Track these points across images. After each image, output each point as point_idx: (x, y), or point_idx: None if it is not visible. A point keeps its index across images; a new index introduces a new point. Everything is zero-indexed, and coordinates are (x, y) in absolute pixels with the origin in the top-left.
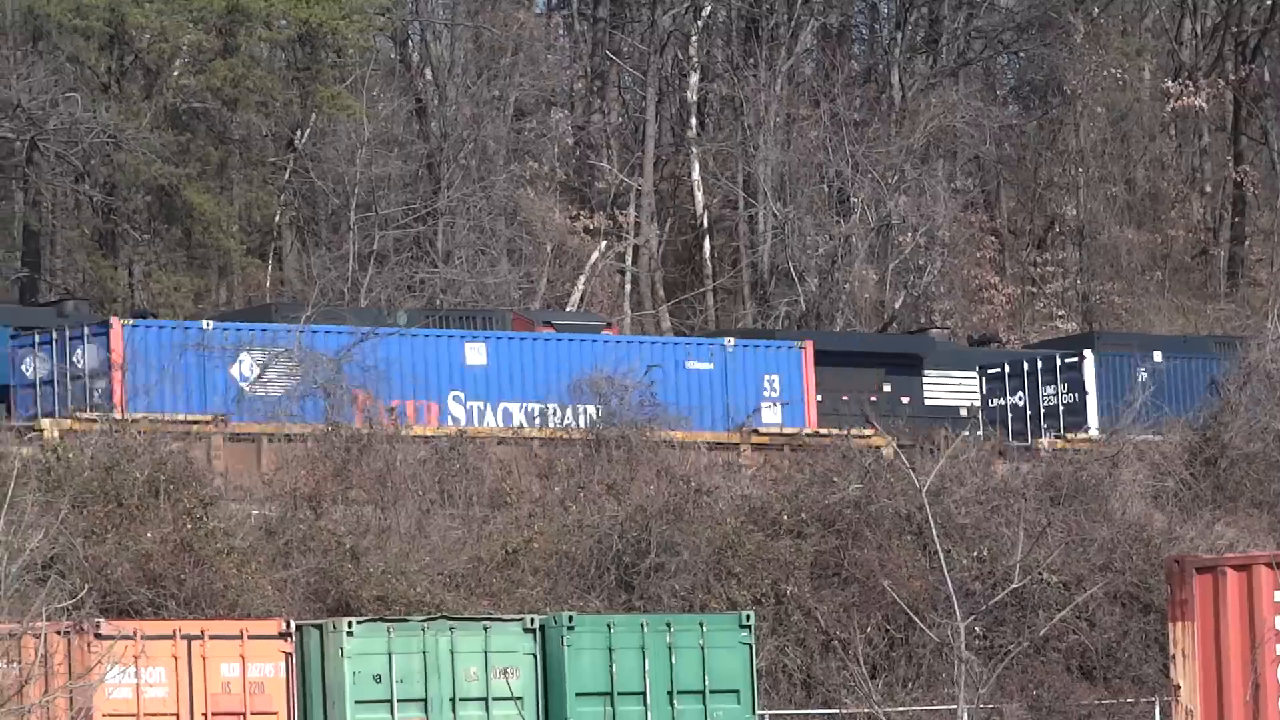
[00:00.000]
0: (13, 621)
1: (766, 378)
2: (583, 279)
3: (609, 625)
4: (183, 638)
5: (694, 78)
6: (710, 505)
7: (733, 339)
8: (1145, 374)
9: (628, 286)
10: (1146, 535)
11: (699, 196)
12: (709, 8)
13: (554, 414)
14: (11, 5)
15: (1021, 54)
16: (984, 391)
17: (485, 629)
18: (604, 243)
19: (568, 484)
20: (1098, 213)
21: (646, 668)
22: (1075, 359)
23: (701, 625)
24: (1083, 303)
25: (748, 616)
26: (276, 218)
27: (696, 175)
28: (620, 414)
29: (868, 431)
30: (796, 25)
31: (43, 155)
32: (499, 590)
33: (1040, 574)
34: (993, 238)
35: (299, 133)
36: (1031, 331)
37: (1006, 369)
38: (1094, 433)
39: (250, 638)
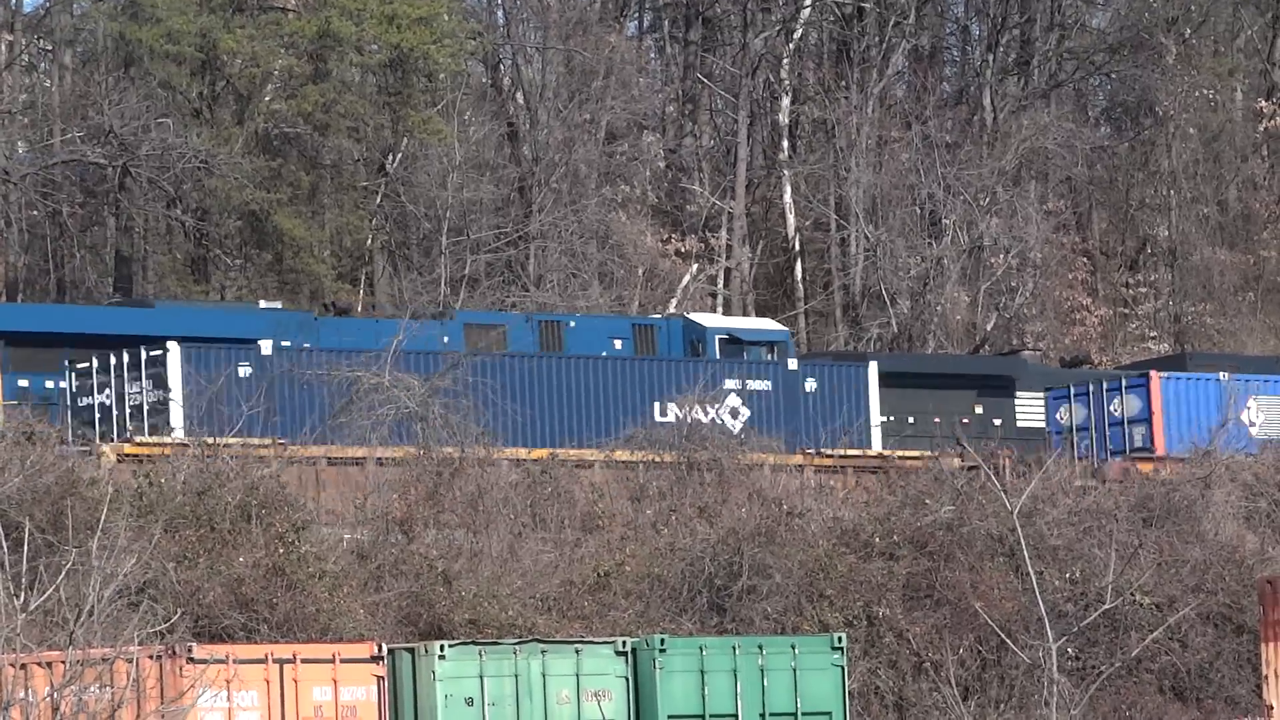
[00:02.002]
0: (105, 646)
1: None
2: (674, 302)
3: (701, 648)
4: (275, 661)
5: (785, 100)
6: (802, 528)
7: None
8: (249, 368)
9: (719, 309)
10: (1239, 556)
11: (790, 219)
12: (800, 30)
13: None
14: (104, 32)
15: (1113, 75)
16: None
17: (577, 652)
18: (695, 265)
19: (659, 507)
20: (1190, 234)
21: (739, 690)
22: (160, 353)
23: (793, 648)
24: (1174, 324)
25: (840, 639)
26: (368, 242)
27: (788, 198)
28: None
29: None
30: (888, 48)
31: (135, 181)
32: (591, 613)
33: (1132, 595)
34: (1084, 259)
35: (390, 157)
36: (1124, 353)
37: (94, 363)
38: (179, 433)
39: (342, 661)
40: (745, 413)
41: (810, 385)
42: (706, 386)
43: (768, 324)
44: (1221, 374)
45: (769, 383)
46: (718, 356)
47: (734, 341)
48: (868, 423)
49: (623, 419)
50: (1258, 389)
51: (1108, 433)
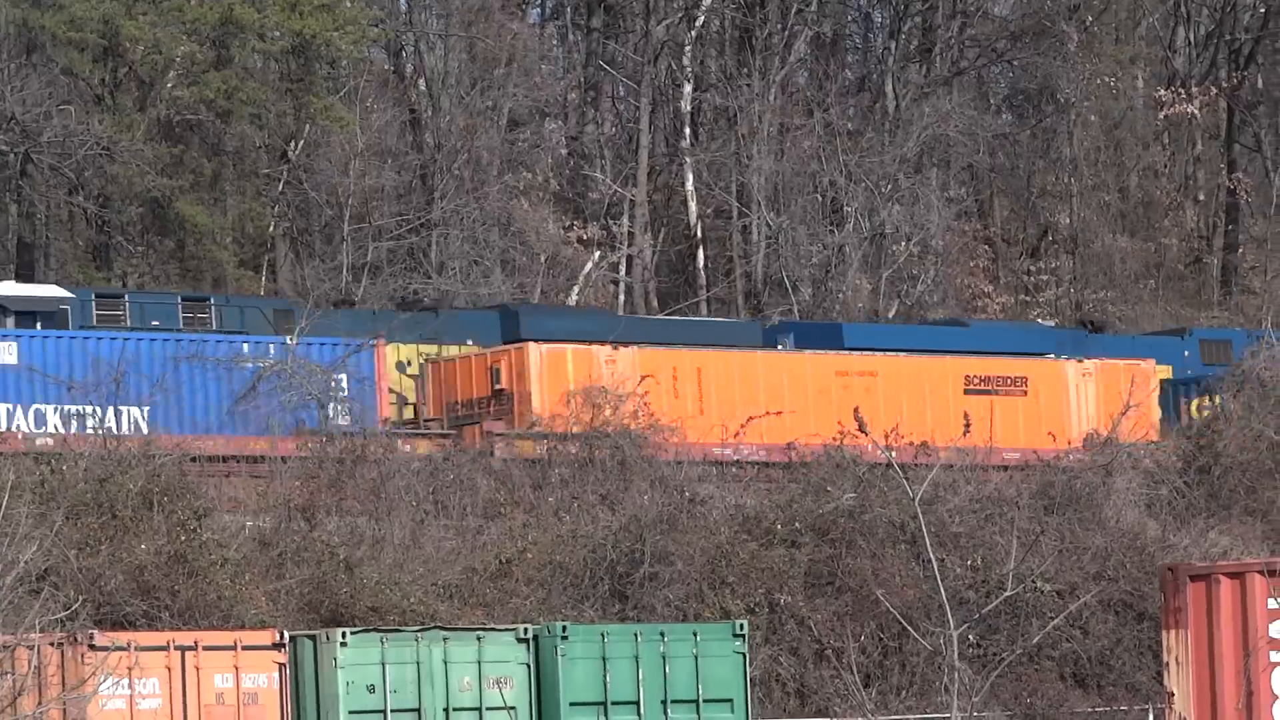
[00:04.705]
0: (6, 633)
1: None
2: (576, 289)
3: (603, 635)
4: (176, 649)
5: (688, 88)
6: (704, 515)
7: None
8: None
9: (621, 297)
10: (1140, 543)
11: (693, 206)
12: (702, 18)
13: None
14: (5, 18)
15: (1015, 62)
16: None
17: (479, 639)
18: (597, 253)
19: (561, 494)
20: (1091, 221)
21: (640, 677)
22: None
23: (695, 635)
24: (1076, 311)
25: (741, 626)
26: (270, 229)
27: (690, 185)
28: None
29: None
30: (790, 35)
31: (36, 168)
32: (493, 600)
33: (1034, 582)
34: (986, 246)
35: (292, 144)
36: None
37: None
38: None
39: (244, 648)
40: None
41: None
42: None
43: None
44: None
45: None
46: None
47: None
48: None
49: None
50: None
51: None
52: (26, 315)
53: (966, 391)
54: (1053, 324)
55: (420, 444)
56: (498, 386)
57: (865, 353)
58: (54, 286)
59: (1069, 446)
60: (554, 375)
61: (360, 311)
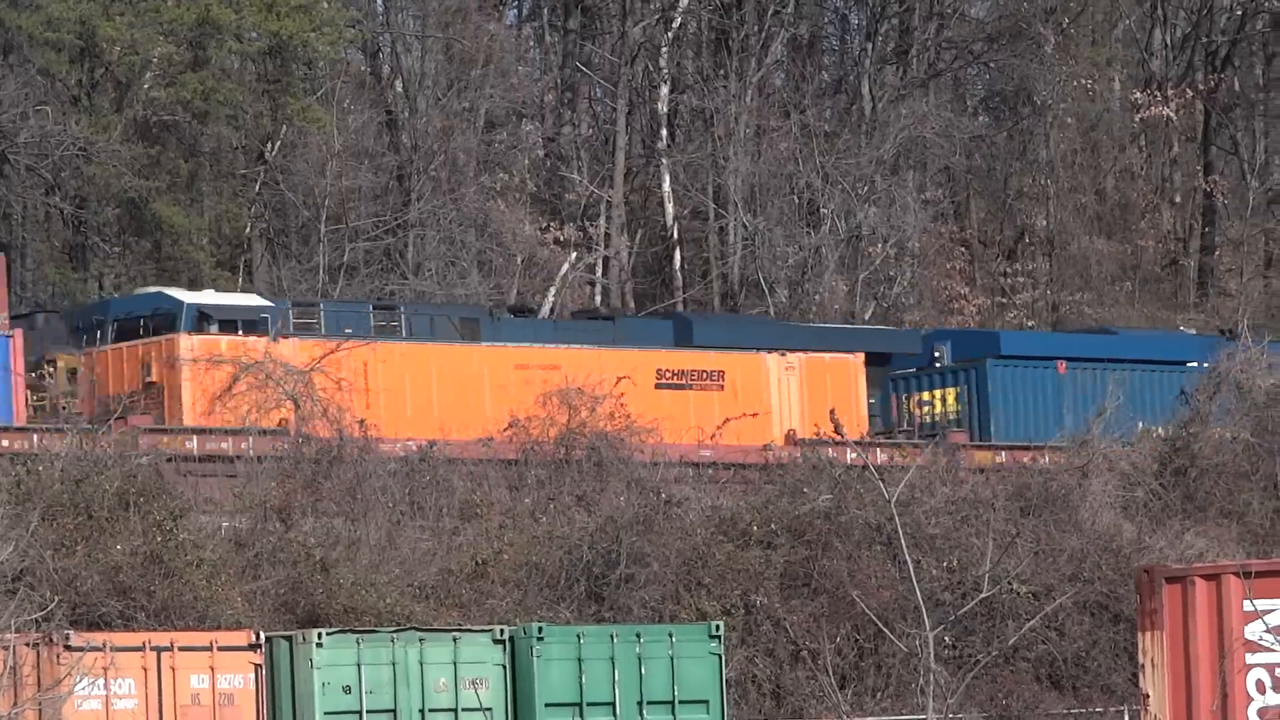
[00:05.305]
0: None
1: None
2: (553, 290)
3: (578, 636)
4: (152, 649)
5: (664, 89)
6: (680, 516)
7: None
8: None
9: (598, 298)
10: (1116, 545)
11: (669, 208)
12: (679, 19)
13: None
14: None
15: (992, 65)
16: None
17: (455, 640)
18: (574, 254)
19: (537, 495)
20: (1068, 223)
21: (616, 678)
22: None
23: (671, 636)
24: (1052, 313)
25: (717, 627)
26: (247, 230)
27: (667, 187)
28: None
29: None
30: (767, 36)
31: (13, 168)
32: (468, 601)
33: (1010, 584)
34: (963, 248)
35: (269, 145)
36: None
37: None
38: None
39: (220, 649)
40: None
41: None
42: None
43: None
44: None
45: None
46: None
47: None
48: None
49: None
50: None
51: None
52: (229, 324)
53: (658, 386)
54: (1193, 332)
55: (57, 439)
56: (148, 379)
57: (549, 346)
58: (255, 295)
59: (770, 443)
60: (208, 367)
61: (539, 321)
